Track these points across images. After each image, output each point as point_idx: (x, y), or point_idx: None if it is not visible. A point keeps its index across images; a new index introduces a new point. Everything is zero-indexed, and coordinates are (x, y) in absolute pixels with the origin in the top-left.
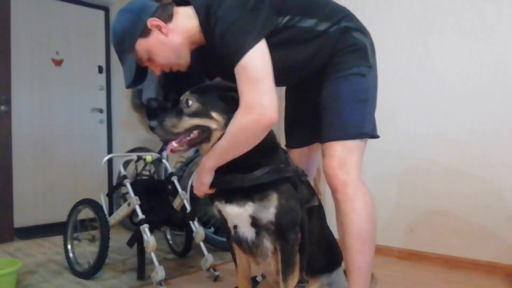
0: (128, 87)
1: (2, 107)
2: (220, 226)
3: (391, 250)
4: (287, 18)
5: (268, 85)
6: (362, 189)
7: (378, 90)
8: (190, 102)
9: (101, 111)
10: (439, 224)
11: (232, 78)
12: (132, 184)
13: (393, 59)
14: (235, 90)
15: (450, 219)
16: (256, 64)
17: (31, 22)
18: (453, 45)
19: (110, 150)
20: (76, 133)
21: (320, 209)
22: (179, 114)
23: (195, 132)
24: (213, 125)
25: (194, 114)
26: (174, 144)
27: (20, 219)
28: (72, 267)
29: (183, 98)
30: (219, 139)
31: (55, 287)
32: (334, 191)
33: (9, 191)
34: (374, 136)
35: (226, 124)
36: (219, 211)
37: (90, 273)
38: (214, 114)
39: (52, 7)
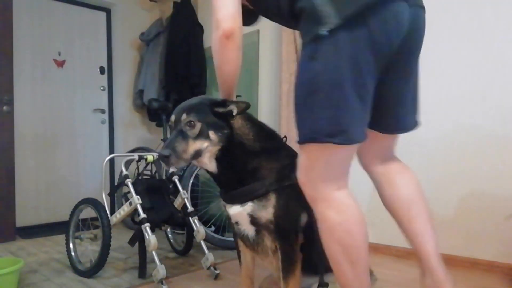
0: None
1: (5, 108)
2: (221, 225)
3: (389, 249)
4: None
5: (221, 1)
6: (331, 208)
7: None
8: (193, 123)
9: (103, 111)
10: (437, 223)
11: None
12: (133, 184)
13: None
14: (222, 104)
15: (449, 218)
16: None
17: (33, 23)
18: (450, 46)
19: (111, 150)
20: (78, 133)
21: None
22: (185, 137)
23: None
24: (207, 144)
25: (197, 136)
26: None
27: (22, 218)
28: (74, 266)
29: (183, 119)
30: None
31: (57, 286)
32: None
33: (11, 191)
34: (331, 141)
35: (218, 142)
36: (225, 207)
37: (91, 272)
38: (211, 134)
39: (54, 8)
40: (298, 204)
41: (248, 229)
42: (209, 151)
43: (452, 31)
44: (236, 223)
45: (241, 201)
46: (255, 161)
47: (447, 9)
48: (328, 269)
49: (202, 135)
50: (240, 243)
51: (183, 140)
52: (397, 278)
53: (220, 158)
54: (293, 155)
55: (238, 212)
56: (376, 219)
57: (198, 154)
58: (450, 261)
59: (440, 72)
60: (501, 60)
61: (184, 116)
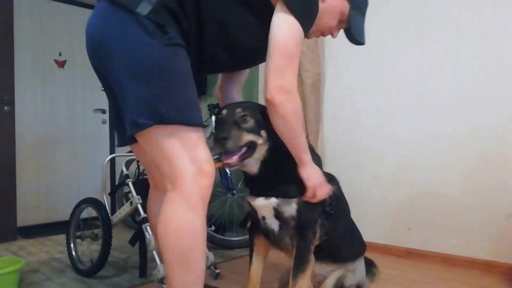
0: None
1: (6, 108)
2: (221, 225)
3: (389, 249)
4: None
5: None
6: None
7: (377, 91)
8: (248, 119)
9: (103, 111)
10: (437, 222)
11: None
12: (134, 183)
13: (391, 60)
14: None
15: (448, 218)
16: None
17: (34, 24)
18: (450, 46)
19: (112, 150)
20: (79, 133)
21: (343, 203)
22: (240, 128)
23: (244, 148)
24: (259, 141)
25: (250, 130)
26: (234, 158)
27: (23, 218)
28: (74, 266)
29: (238, 112)
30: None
31: (58, 286)
32: None
33: (12, 190)
34: None
35: (267, 140)
36: (249, 203)
37: (92, 271)
38: (262, 132)
39: (55, 9)
40: (320, 205)
41: (273, 223)
42: (259, 150)
43: (452, 31)
44: (263, 217)
45: (267, 195)
46: (289, 164)
47: (447, 9)
48: (347, 258)
49: (254, 131)
50: (256, 243)
51: (238, 129)
52: (396, 278)
53: (264, 161)
54: (319, 160)
55: (264, 205)
56: (376, 219)
57: (249, 147)
58: (449, 261)
59: (440, 72)
60: (501, 60)
61: (239, 110)
